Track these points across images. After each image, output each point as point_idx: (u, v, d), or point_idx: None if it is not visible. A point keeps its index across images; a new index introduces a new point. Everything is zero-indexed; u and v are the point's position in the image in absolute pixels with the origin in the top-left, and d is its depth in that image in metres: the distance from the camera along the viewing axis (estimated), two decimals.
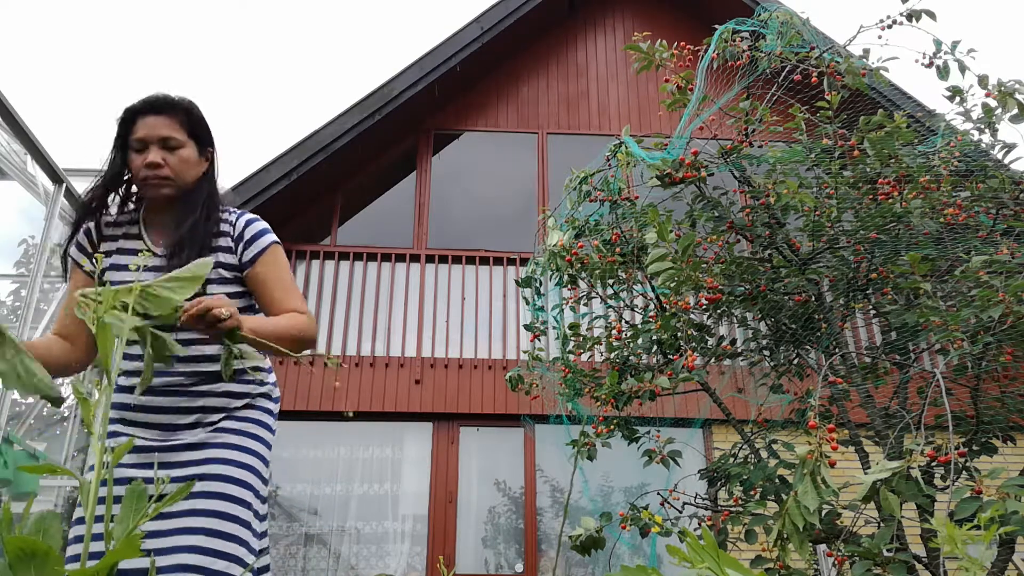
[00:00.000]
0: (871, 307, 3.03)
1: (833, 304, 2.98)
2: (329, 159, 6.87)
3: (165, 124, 1.63)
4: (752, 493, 2.56)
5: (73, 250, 1.68)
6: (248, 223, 1.72)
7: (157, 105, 1.64)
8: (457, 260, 7.08)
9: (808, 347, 3.09)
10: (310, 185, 6.96)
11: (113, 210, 1.70)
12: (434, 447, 6.35)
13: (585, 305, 3.51)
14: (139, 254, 1.62)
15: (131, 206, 1.71)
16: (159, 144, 1.62)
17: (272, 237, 1.74)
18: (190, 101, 1.69)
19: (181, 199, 1.66)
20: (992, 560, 2.22)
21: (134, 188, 1.71)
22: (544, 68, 8.17)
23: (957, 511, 1.77)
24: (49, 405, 5.33)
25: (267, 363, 1.78)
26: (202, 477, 1.51)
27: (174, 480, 1.51)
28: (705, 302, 3.05)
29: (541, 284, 3.46)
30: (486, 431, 6.48)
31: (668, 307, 3.00)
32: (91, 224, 1.69)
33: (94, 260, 1.64)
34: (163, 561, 1.41)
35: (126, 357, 1.59)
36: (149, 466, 1.52)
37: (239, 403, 1.68)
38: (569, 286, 3.28)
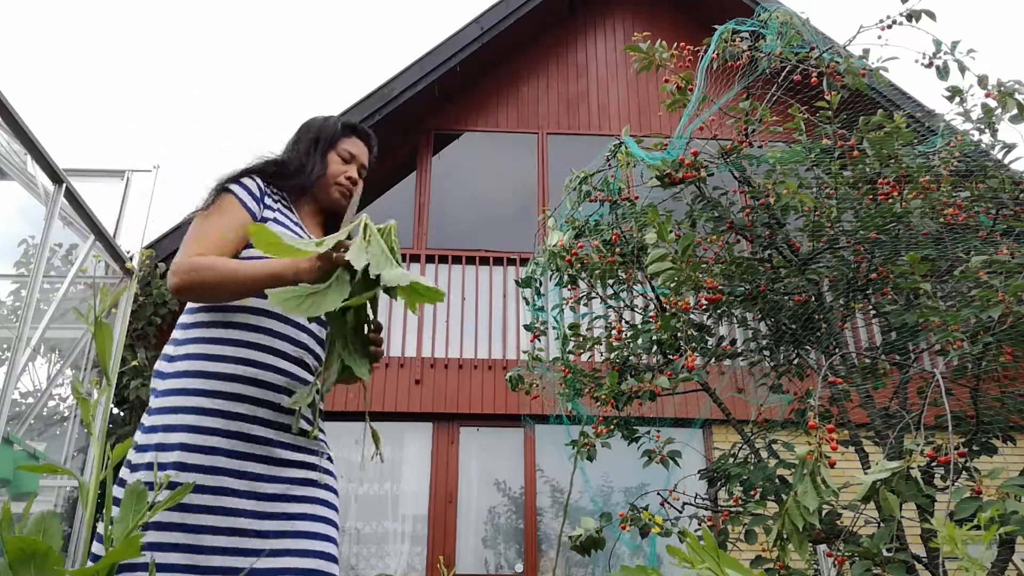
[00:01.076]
0: (871, 307, 3.03)
1: (833, 304, 2.98)
2: None
3: (367, 155, 1.83)
4: (752, 493, 2.56)
5: (240, 189, 1.60)
6: None
7: (368, 137, 1.84)
8: (457, 260, 7.08)
9: (808, 347, 3.09)
10: None
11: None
12: (434, 447, 6.35)
13: (585, 305, 3.51)
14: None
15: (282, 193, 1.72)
16: (359, 167, 1.79)
17: None
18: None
19: (333, 215, 1.81)
20: (992, 560, 2.22)
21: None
22: (544, 68, 8.17)
23: (957, 511, 1.77)
24: (49, 405, 5.31)
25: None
26: (325, 486, 1.59)
27: (291, 480, 1.51)
28: (705, 302, 3.05)
29: (541, 284, 3.46)
30: (486, 431, 6.48)
31: (668, 307, 3.01)
32: (260, 182, 1.66)
33: (261, 207, 1.63)
34: (288, 562, 1.41)
35: (294, 342, 1.57)
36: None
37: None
38: (569, 286, 3.29)
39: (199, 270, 1.45)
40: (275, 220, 1.62)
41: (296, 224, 1.68)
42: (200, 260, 1.46)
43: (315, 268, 1.34)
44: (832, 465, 1.78)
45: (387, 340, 6.68)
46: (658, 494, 3.02)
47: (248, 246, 1.57)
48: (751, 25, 3.03)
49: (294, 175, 1.71)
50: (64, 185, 4.15)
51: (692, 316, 3.13)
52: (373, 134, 1.86)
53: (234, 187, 1.60)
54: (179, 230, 6.36)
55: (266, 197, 1.65)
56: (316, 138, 1.76)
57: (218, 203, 1.58)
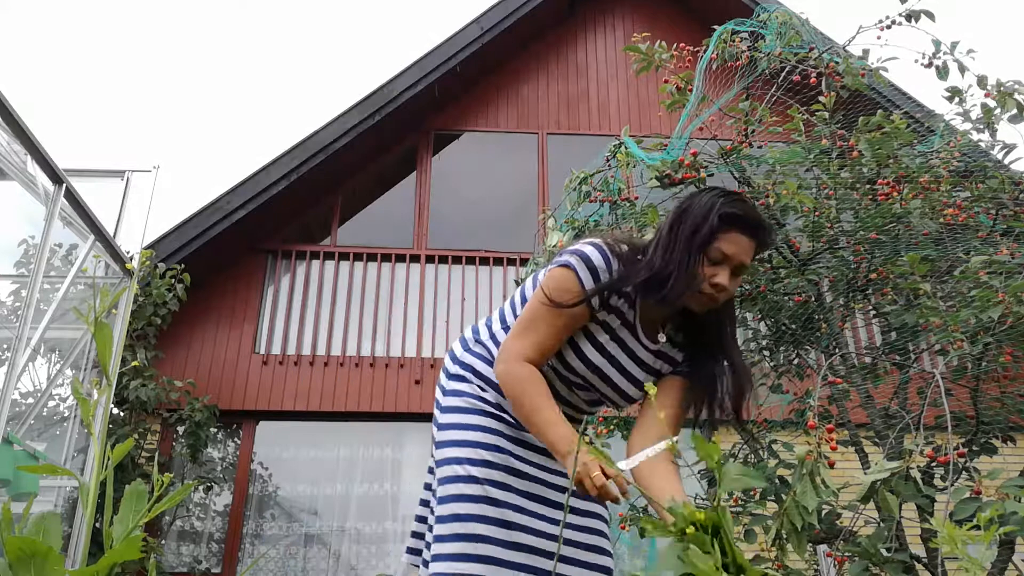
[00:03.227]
0: (871, 307, 3.03)
1: (833, 304, 2.98)
2: (329, 159, 6.87)
3: (750, 250, 1.50)
4: (752, 493, 2.56)
5: (592, 283, 1.51)
6: None
7: (755, 228, 1.49)
8: (457, 260, 7.08)
9: (808, 347, 3.09)
10: (310, 185, 6.96)
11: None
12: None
13: None
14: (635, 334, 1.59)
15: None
16: (736, 266, 1.48)
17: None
18: (771, 227, 1.59)
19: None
20: (992, 560, 2.22)
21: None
22: (544, 68, 8.18)
23: (957, 511, 1.77)
24: (49, 405, 5.31)
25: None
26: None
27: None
28: None
29: None
30: None
31: None
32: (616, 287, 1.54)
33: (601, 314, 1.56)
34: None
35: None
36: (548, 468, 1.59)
37: None
38: None
39: (514, 387, 1.49)
40: (605, 324, 1.56)
41: (629, 329, 1.57)
42: (520, 377, 1.48)
43: (576, 478, 1.32)
44: (831, 465, 1.78)
45: (387, 340, 6.69)
46: None
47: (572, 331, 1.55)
48: (750, 25, 3.03)
49: (656, 289, 1.48)
50: (64, 185, 4.15)
51: None
52: (763, 220, 1.51)
53: (586, 279, 1.50)
54: (179, 230, 6.37)
55: (612, 296, 1.54)
56: (691, 237, 1.47)
57: (566, 293, 1.49)
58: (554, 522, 1.53)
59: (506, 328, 1.64)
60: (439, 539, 1.47)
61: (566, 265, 1.51)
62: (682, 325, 1.63)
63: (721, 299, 1.50)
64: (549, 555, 1.50)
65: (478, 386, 1.61)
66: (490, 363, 1.62)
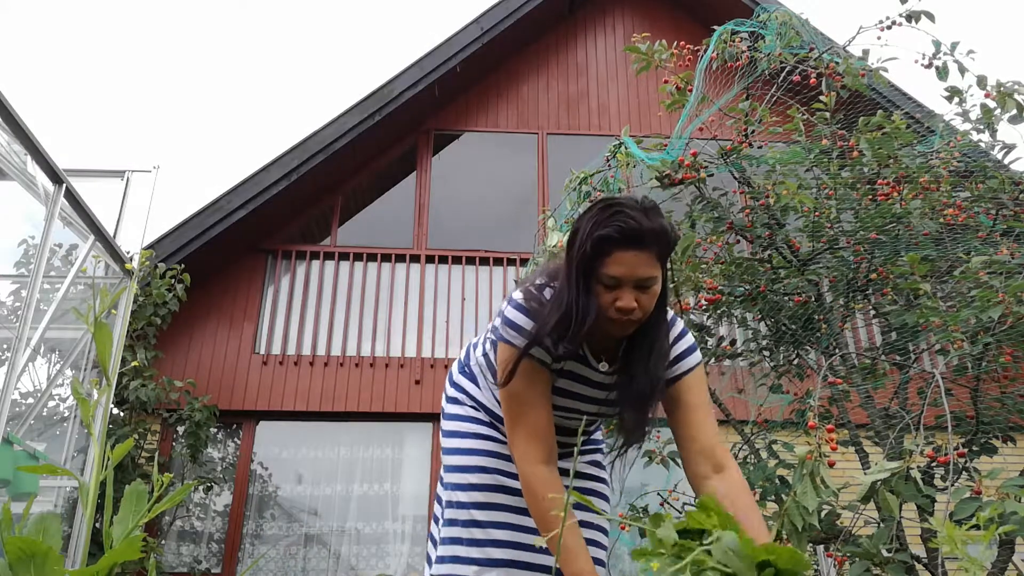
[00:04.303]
0: (871, 307, 3.03)
1: (833, 304, 2.98)
2: (329, 159, 6.87)
3: (644, 262, 1.37)
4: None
5: (538, 351, 1.48)
6: (681, 335, 1.59)
7: (637, 238, 1.35)
8: (457, 260, 7.08)
9: (808, 347, 3.09)
10: (310, 185, 6.96)
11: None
12: (434, 447, 6.35)
13: None
14: (587, 367, 1.56)
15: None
16: (633, 285, 1.38)
17: (699, 356, 1.60)
18: (665, 225, 1.41)
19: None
20: (992, 560, 2.22)
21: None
22: (544, 68, 8.18)
23: (956, 511, 1.77)
24: (49, 406, 5.30)
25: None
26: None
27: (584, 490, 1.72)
28: (705, 303, 3.05)
29: None
30: None
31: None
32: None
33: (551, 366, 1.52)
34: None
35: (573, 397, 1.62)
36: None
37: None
38: None
39: (532, 499, 1.46)
40: (563, 370, 1.55)
41: (583, 361, 1.56)
42: (536, 490, 1.45)
43: None
44: (832, 465, 1.78)
45: (387, 340, 6.69)
46: (658, 494, 3.02)
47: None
48: (750, 26, 3.03)
49: (567, 329, 1.42)
50: (64, 185, 4.15)
51: (692, 316, 3.13)
52: (645, 224, 1.36)
53: (522, 346, 1.47)
54: (179, 230, 6.37)
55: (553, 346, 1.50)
56: (578, 269, 1.40)
57: (527, 377, 1.48)
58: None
59: (486, 352, 1.66)
60: (439, 560, 1.59)
61: (500, 340, 1.51)
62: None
63: (636, 317, 1.40)
64: (536, 567, 1.55)
65: (471, 407, 1.67)
66: (478, 384, 1.70)
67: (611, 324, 1.42)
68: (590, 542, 1.64)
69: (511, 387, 1.49)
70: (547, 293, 1.50)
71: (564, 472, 1.60)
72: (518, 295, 1.53)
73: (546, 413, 1.50)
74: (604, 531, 1.71)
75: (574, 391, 1.59)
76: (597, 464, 1.79)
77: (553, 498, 1.41)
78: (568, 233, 1.47)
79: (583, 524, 1.63)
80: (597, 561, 1.64)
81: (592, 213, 1.41)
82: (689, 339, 1.59)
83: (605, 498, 1.76)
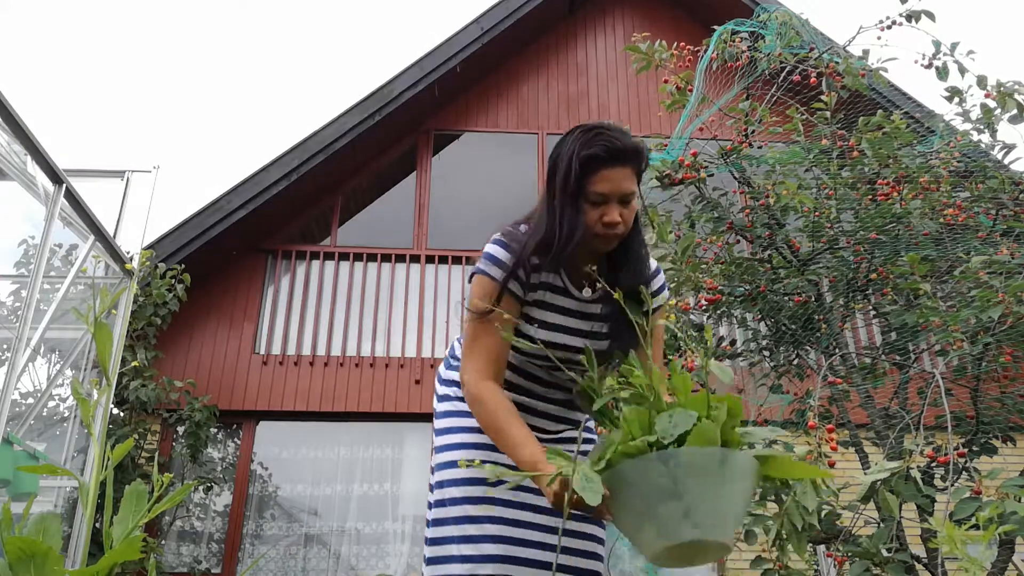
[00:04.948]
0: (871, 307, 3.03)
1: (833, 304, 2.98)
2: (329, 159, 6.87)
3: (627, 177, 1.47)
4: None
5: (507, 280, 1.54)
6: (657, 271, 1.67)
7: (621, 155, 1.46)
8: (457, 260, 7.08)
9: (808, 347, 3.09)
10: (310, 185, 6.96)
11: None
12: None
13: None
14: (565, 294, 1.59)
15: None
16: (620, 197, 1.47)
17: (668, 294, 1.71)
18: (639, 143, 1.52)
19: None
20: (992, 560, 2.22)
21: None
22: (544, 68, 8.17)
23: (956, 511, 1.77)
24: (49, 406, 5.31)
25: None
26: None
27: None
28: (705, 303, 3.05)
29: None
30: None
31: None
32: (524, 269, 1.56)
33: (526, 292, 1.56)
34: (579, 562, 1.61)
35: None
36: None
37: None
38: None
39: (478, 407, 1.50)
40: (540, 302, 1.57)
41: (562, 293, 1.59)
42: (482, 397, 1.49)
43: (549, 495, 1.28)
44: (832, 465, 1.78)
45: (387, 340, 6.69)
46: None
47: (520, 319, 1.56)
48: (750, 26, 3.03)
49: (550, 248, 1.51)
50: (64, 185, 4.15)
51: (692, 316, 3.13)
52: (628, 142, 1.48)
53: (499, 277, 1.53)
54: (179, 230, 6.37)
55: (532, 275, 1.55)
56: (564, 189, 1.48)
57: (487, 297, 1.53)
58: (543, 528, 1.58)
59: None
60: (429, 561, 1.60)
61: (476, 272, 1.57)
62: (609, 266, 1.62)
63: (620, 231, 1.50)
64: (530, 562, 1.55)
65: (459, 399, 1.67)
66: None
67: (597, 240, 1.51)
68: (590, 539, 1.64)
69: (474, 318, 1.54)
70: (523, 229, 1.60)
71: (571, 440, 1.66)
72: (497, 234, 1.61)
73: (503, 345, 1.53)
74: (602, 529, 1.70)
75: (557, 323, 1.60)
76: (584, 454, 1.79)
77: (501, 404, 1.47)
78: (550, 161, 1.56)
79: (583, 523, 1.63)
80: (596, 559, 1.64)
81: (575, 136, 1.51)
82: (663, 277, 1.69)
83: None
